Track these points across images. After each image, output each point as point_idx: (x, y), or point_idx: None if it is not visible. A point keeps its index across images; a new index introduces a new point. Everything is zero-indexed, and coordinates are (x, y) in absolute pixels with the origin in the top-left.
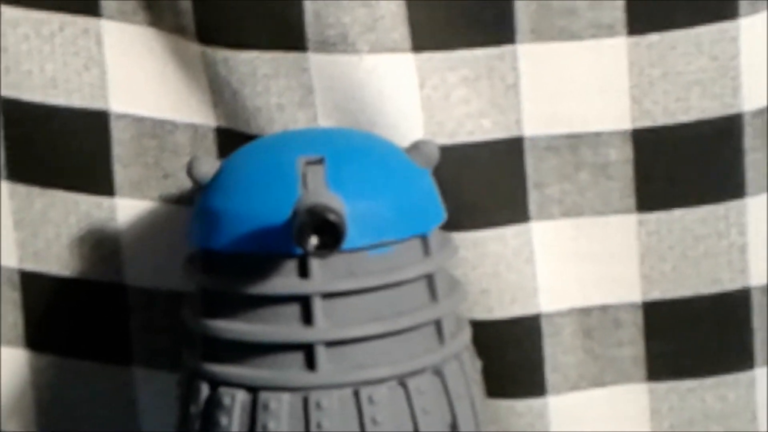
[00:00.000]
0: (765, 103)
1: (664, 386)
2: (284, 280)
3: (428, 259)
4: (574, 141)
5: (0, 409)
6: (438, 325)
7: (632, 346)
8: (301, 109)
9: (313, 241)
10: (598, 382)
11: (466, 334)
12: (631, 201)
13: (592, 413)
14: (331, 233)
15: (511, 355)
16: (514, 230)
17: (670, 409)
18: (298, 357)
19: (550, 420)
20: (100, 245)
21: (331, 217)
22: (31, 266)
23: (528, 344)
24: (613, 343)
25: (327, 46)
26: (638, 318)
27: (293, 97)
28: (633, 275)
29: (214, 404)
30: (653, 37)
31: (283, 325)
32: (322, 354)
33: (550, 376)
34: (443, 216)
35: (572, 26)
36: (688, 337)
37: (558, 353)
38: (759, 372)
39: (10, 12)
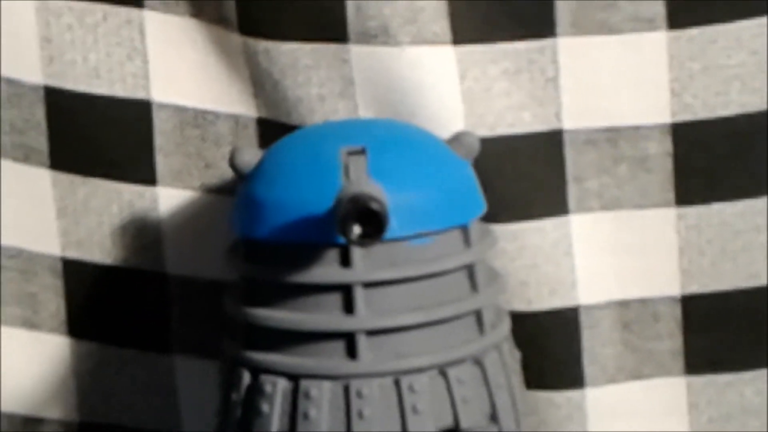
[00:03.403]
0: None
1: (702, 380)
2: (326, 269)
3: (469, 249)
4: (614, 134)
5: (41, 396)
6: (478, 315)
7: (670, 339)
8: (342, 100)
9: (356, 230)
10: (636, 375)
11: (506, 325)
12: (670, 195)
13: (630, 406)
14: (373, 222)
15: (549, 347)
16: (554, 223)
17: (708, 403)
18: (340, 345)
19: (587, 412)
20: (142, 234)
21: (374, 206)
22: (73, 254)
23: (566, 336)
24: (652, 337)
25: (368, 38)
26: (677, 311)
27: (334, 88)
28: (672, 269)
29: (255, 392)
30: (693, 31)
31: (324, 314)
32: (363, 343)
33: (588, 368)
34: (483, 207)
35: (612, 20)
36: (726, 331)
37: (596, 346)
38: None
39: (54, 2)
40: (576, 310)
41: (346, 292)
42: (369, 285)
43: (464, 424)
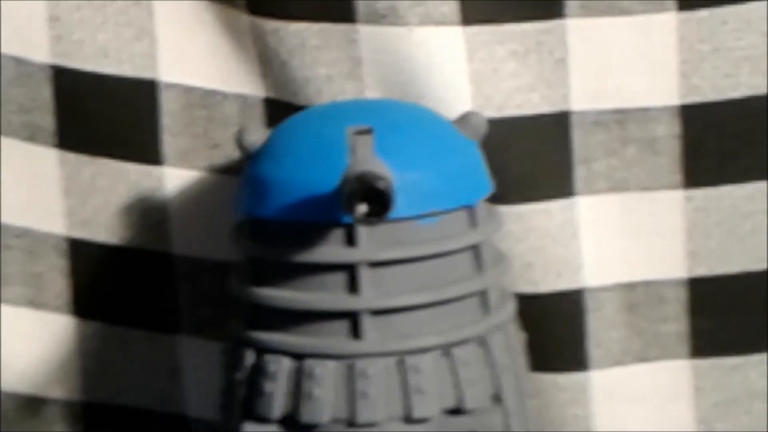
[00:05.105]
0: None
1: (707, 363)
2: (331, 249)
3: (475, 230)
4: (622, 116)
5: (46, 376)
6: (483, 296)
7: (676, 322)
8: (350, 80)
9: (362, 208)
10: (642, 358)
11: (511, 306)
12: (678, 177)
13: (635, 389)
14: (379, 201)
15: (554, 330)
16: (560, 204)
17: (713, 386)
18: (344, 325)
19: (592, 395)
20: (148, 214)
21: (380, 184)
22: (79, 234)
23: (572, 319)
24: (657, 319)
25: (376, 18)
26: (683, 294)
27: (342, 69)
28: (678, 251)
29: (259, 371)
30: (703, 13)
31: (329, 293)
32: (367, 322)
33: (594, 351)
34: (490, 188)
35: (622, 1)
36: (732, 314)
37: (601, 328)
38: None
39: None
40: (582, 292)
41: (351, 271)
42: (374, 264)
43: (468, 404)
